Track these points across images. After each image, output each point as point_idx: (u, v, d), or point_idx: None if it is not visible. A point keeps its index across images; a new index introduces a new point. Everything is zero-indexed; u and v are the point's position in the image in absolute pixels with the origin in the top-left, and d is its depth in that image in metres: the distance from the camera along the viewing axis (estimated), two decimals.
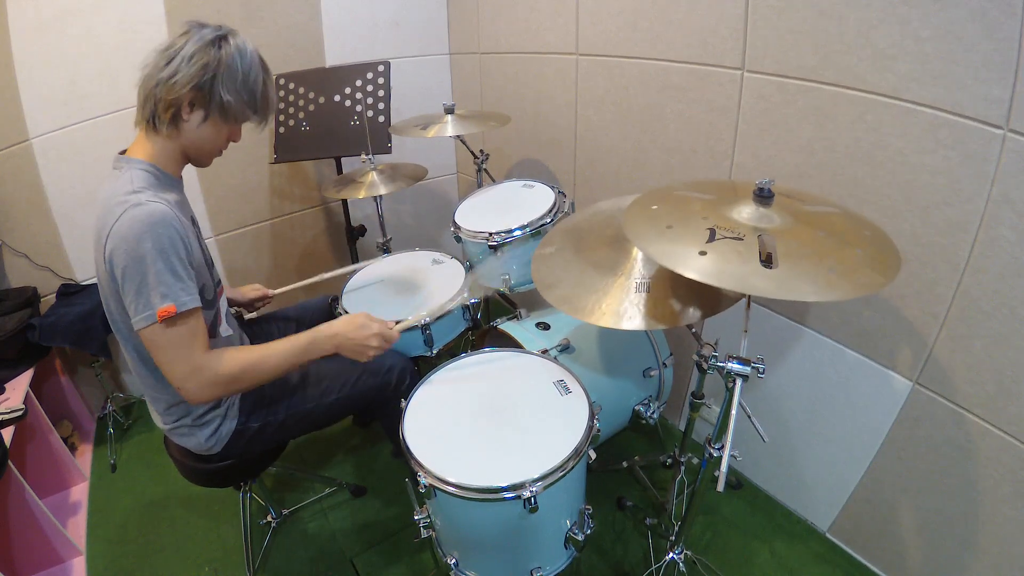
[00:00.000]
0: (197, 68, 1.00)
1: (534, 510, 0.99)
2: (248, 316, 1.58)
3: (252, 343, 1.38)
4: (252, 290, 1.58)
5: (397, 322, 1.30)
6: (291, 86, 2.11)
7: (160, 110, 1.03)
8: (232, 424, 1.24)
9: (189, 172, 1.10)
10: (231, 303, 1.54)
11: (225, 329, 1.24)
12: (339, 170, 2.23)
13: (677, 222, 0.95)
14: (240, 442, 1.26)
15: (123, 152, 1.09)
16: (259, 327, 1.54)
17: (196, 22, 1.04)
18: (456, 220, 1.72)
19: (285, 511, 1.75)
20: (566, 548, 1.17)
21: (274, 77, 1.17)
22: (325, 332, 1.17)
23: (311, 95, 2.10)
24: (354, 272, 1.79)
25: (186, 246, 1.03)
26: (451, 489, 1.01)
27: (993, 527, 1.20)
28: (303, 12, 2.21)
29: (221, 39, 1.03)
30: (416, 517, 1.16)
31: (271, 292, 1.61)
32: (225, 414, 1.23)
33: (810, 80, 1.26)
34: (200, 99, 1.04)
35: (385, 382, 1.34)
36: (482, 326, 1.70)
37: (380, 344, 1.20)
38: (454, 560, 1.17)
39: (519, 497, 0.99)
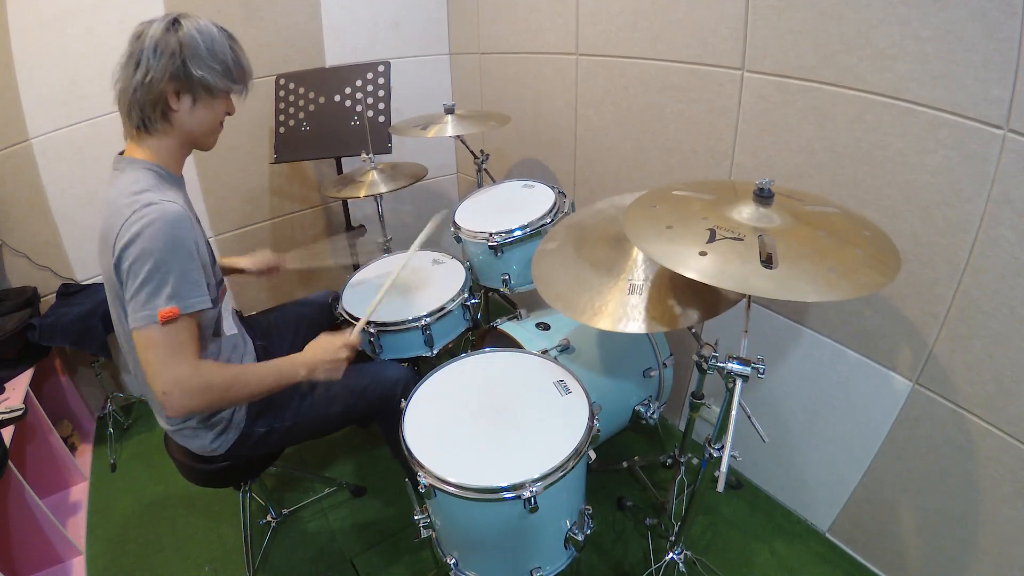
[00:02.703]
0: (166, 58, 1.00)
1: (534, 510, 0.99)
2: (248, 314, 1.58)
3: (253, 340, 1.39)
4: (262, 256, 1.54)
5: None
6: (291, 86, 2.11)
7: (148, 111, 1.03)
8: (238, 428, 1.24)
9: (189, 172, 1.10)
10: (240, 272, 1.53)
11: (229, 327, 1.24)
12: (339, 170, 2.24)
13: (677, 222, 0.95)
14: (245, 445, 1.26)
15: (121, 153, 1.09)
16: (259, 323, 1.54)
17: (144, 22, 1.03)
18: (456, 220, 1.72)
19: (285, 511, 1.75)
20: (566, 548, 1.17)
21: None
22: (298, 362, 1.18)
23: (311, 95, 2.10)
24: (356, 262, 1.77)
25: (197, 246, 1.03)
26: (451, 489, 1.01)
27: (993, 527, 1.20)
28: (303, 12, 2.21)
29: (174, 24, 1.02)
30: (416, 517, 1.16)
31: (285, 263, 1.58)
32: (231, 418, 1.23)
33: (810, 80, 1.26)
34: (182, 85, 1.03)
35: (391, 394, 1.35)
36: (482, 326, 1.70)
37: (348, 353, 1.23)
38: (454, 560, 1.17)
39: (519, 497, 0.99)
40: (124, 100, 1.03)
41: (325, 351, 1.20)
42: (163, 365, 0.99)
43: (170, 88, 1.02)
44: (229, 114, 1.15)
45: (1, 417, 1.47)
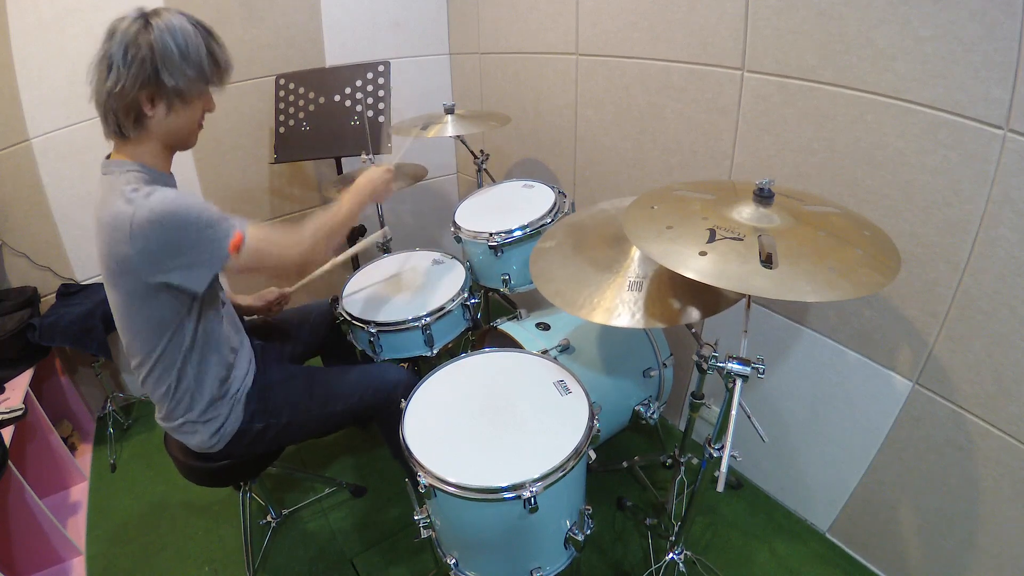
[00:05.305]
0: (136, 66, 0.97)
1: (534, 510, 0.99)
2: (250, 319, 1.58)
3: (252, 340, 1.39)
4: (268, 292, 1.56)
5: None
6: (291, 86, 2.11)
7: (122, 119, 1.02)
8: (236, 423, 1.24)
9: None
10: (250, 311, 1.54)
11: (227, 327, 1.24)
12: (339, 170, 2.23)
13: (677, 222, 0.95)
14: (242, 442, 1.26)
15: (108, 157, 1.09)
16: (262, 330, 1.54)
17: (117, 19, 1.00)
18: (456, 220, 1.72)
19: (285, 511, 1.75)
20: (566, 548, 1.17)
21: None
22: (354, 189, 1.31)
23: (311, 95, 2.09)
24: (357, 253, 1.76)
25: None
26: (451, 489, 1.01)
27: (993, 527, 1.20)
28: (303, 12, 2.21)
29: (145, 26, 0.98)
30: (416, 517, 1.16)
31: (287, 290, 1.59)
32: (229, 412, 1.23)
33: (810, 80, 1.26)
34: (155, 92, 1.01)
35: (391, 398, 1.34)
36: (482, 326, 1.70)
37: (389, 175, 1.39)
38: (454, 560, 1.17)
39: (519, 497, 0.99)
40: (99, 103, 1.02)
41: (370, 176, 1.36)
42: (278, 259, 1.12)
43: (143, 95, 1.00)
44: (209, 111, 1.13)
45: (1, 417, 1.47)
